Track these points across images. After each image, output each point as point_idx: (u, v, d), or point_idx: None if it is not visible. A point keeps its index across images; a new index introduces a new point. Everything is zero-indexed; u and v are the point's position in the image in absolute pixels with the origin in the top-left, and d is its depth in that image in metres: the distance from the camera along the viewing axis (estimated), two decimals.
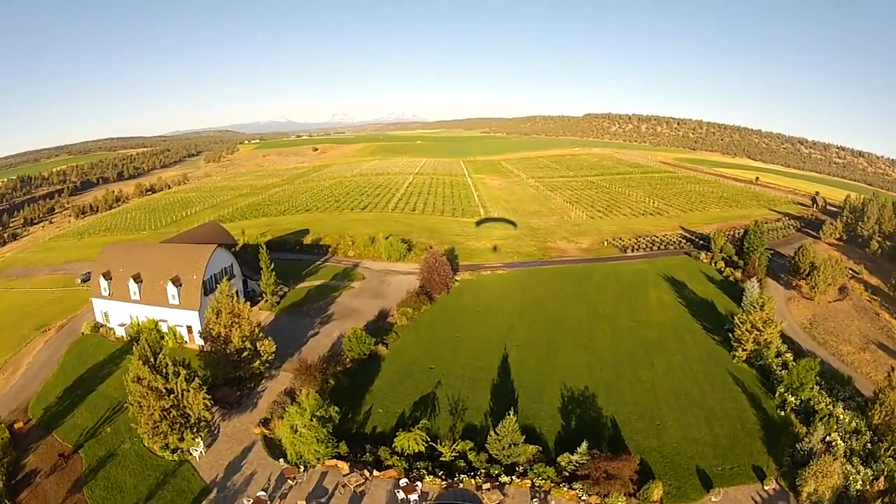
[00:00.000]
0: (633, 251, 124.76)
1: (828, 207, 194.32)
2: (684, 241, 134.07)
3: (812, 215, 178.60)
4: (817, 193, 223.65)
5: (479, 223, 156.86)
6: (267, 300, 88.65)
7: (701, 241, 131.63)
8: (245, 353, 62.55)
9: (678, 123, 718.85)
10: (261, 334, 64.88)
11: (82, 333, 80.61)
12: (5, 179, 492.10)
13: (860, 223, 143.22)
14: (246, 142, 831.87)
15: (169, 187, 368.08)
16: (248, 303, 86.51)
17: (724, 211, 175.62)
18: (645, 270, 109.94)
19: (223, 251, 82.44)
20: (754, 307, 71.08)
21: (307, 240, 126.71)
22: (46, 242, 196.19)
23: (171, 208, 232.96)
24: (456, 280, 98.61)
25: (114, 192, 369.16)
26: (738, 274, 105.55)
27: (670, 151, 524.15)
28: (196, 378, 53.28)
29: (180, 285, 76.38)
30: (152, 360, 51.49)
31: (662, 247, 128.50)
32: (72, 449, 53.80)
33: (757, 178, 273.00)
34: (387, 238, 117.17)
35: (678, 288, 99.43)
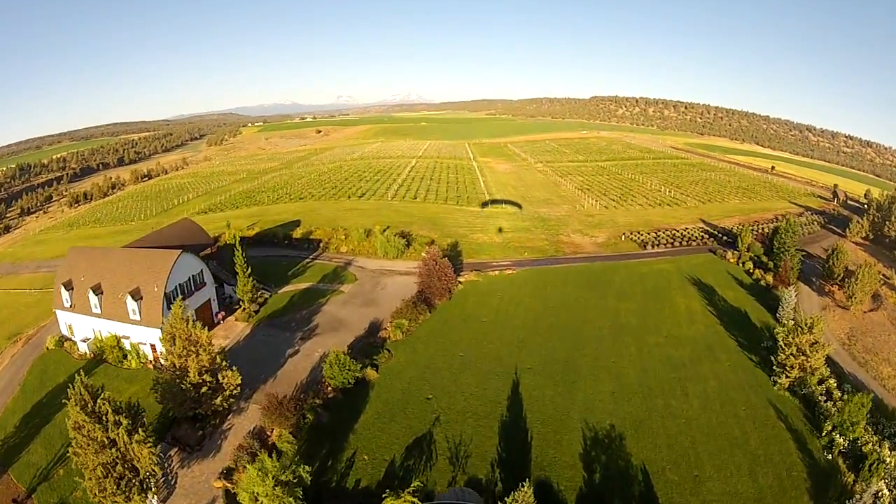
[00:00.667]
0: (653, 247, 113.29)
1: (848, 202, 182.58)
2: (706, 236, 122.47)
3: (834, 210, 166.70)
4: (836, 186, 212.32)
5: (484, 205, 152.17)
6: (244, 309, 77.73)
7: (725, 237, 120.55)
8: (204, 389, 51.91)
9: (686, 108, 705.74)
10: (224, 363, 53.92)
11: (46, 348, 71.22)
12: (4, 168, 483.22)
13: (888, 222, 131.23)
14: (249, 125, 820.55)
15: (166, 172, 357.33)
16: (223, 313, 77.08)
17: (744, 203, 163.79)
18: (668, 271, 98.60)
19: (190, 257, 71.11)
20: (801, 328, 59.90)
21: (297, 233, 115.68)
22: (37, 235, 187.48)
23: (165, 196, 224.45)
24: (459, 282, 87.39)
25: (111, 178, 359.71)
26: (770, 278, 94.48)
27: (679, 136, 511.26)
28: (141, 429, 42.79)
29: (140, 298, 65.74)
30: (90, 405, 41.73)
31: (684, 242, 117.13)
32: (25, 493, 46.22)
33: (773, 168, 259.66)
34: (383, 232, 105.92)
35: (706, 293, 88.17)
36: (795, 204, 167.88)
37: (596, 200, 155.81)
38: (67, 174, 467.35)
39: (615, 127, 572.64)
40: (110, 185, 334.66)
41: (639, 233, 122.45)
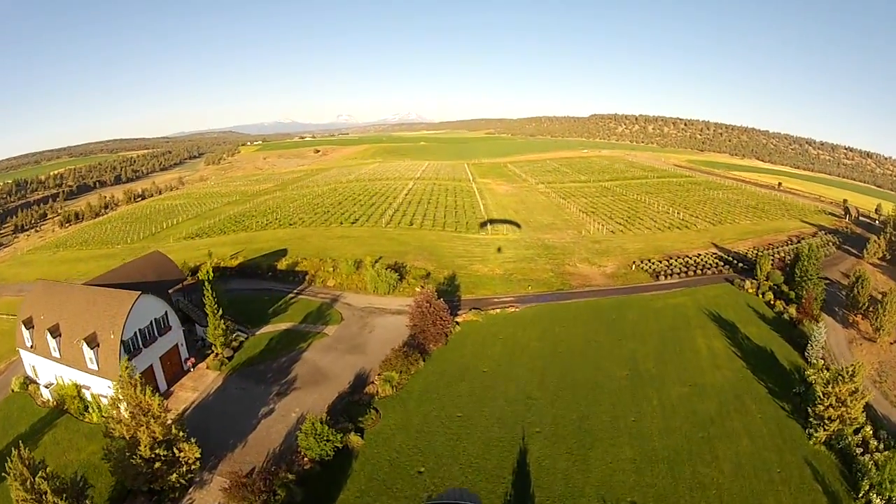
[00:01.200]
0: (666, 277, 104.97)
1: (860, 218, 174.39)
2: (721, 262, 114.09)
3: (847, 228, 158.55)
4: (846, 202, 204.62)
5: (483, 225, 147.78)
6: (217, 355, 69.17)
7: (741, 264, 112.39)
8: (157, 464, 43.57)
9: (685, 124, 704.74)
10: (181, 434, 45.56)
11: (12, 390, 63.95)
12: (1, 183, 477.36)
13: None
14: (249, 143, 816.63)
15: (160, 192, 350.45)
16: (193, 359, 68.78)
17: (755, 223, 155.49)
18: (685, 305, 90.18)
19: (151, 299, 62.47)
20: (842, 377, 51.86)
21: (282, 264, 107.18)
22: (24, 255, 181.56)
23: (155, 218, 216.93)
24: (457, 322, 79.10)
25: (105, 197, 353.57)
26: (793, 310, 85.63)
27: (679, 153, 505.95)
28: None
29: (97, 346, 57.46)
30: (30, 481, 35.66)
31: (699, 271, 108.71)
32: None
33: (779, 184, 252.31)
34: (374, 264, 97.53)
35: (728, 330, 79.70)
36: (807, 223, 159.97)
37: (602, 224, 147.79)
38: (64, 191, 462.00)
39: (616, 145, 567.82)
40: (103, 205, 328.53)
41: (650, 261, 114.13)
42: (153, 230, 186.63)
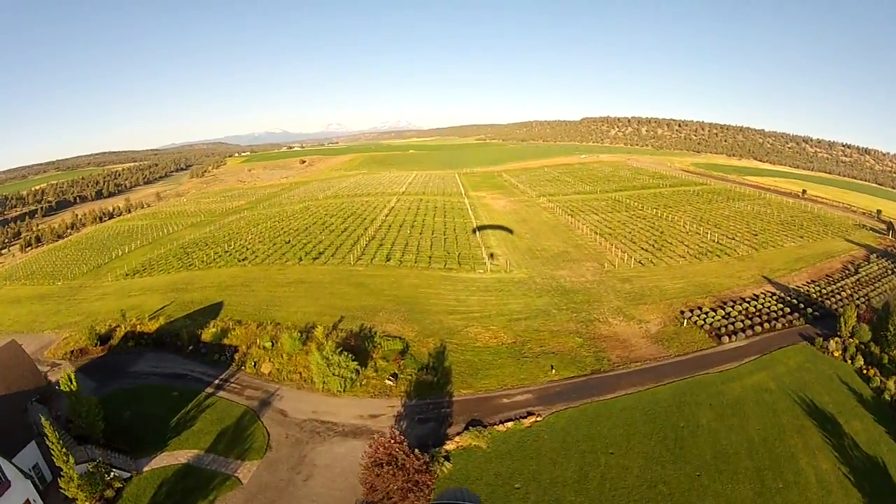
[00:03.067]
0: (728, 335, 73.74)
1: None
2: (784, 306, 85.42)
3: (892, 247, 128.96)
4: (880, 212, 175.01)
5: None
6: None
7: (808, 308, 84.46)
8: None
9: (679, 125, 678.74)
10: None
11: None
12: None
13: None
14: (237, 154, 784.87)
15: (129, 211, 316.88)
16: None
17: (800, 246, 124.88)
18: (768, 388, 60.38)
19: None
20: None
21: (209, 332, 74.75)
22: None
23: (111, 244, 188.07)
24: (446, 456, 47.21)
25: (77, 215, 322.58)
26: (893, 385, 60.08)
27: (676, 155, 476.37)
28: None
29: None
30: None
31: (766, 324, 78.12)
32: None
33: (804, 192, 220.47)
34: (328, 335, 66.02)
35: (830, 433, 52.76)
36: (852, 242, 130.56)
37: (625, 252, 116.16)
38: (43, 207, 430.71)
39: (613, 149, 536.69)
40: (68, 226, 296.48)
41: (700, 309, 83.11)
42: (101, 260, 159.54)
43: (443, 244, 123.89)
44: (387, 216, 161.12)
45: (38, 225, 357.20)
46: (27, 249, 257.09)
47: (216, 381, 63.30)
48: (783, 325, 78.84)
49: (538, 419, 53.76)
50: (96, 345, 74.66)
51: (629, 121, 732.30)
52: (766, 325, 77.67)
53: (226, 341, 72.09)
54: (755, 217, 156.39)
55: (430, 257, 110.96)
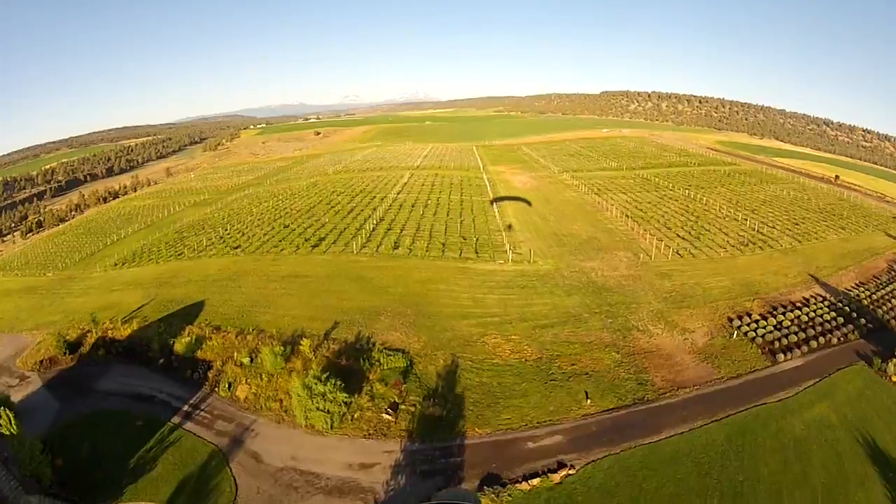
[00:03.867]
0: (783, 351, 61.68)
1: None
2: (836, 314, 72.57)
3: None
4: None
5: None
6: None
7: (861, 318, 71.27)
8: None
9: (700, 102, 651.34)
10: None
11: None
12: None
13: None
14: (252, 127, 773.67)
15: (135, 189, 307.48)
16: None
17: (843, 239, 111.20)
18: (829, 423, 49.18)
19: None
20: None
21: (182, 342, 62.70)
22: None
23: (109, 227, 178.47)
24: None
25: (84, 195, 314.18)
26: None
27: (697, 132, 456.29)
28: None
29: None
30: None
31: (819, 334, 66.11)
32: None
33: (837, 177, 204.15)
34: (315, 350, 54.53)
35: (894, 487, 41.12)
36: (892, 237, 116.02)
37: (660, 240, 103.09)
38: (52, 188, 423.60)
39: (634, 124, 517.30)
40: (72, 208, 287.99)
41: (749, 316, 70.60)
42: (96, 247, 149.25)
43: (458, 227, 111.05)
44: (398, 193, 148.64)
45: (45, 207, 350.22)
46: (28, 235, 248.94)
47: (185, 408, 52.12)
48: (838, 339, 65.74)
49: (570, 472, 41.78)
50: (65, 353, 64.36)
51: (649, 96, 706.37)
52: (821, 340, 64.77)
53: (200, 354, 60.59)
54: (793, 203, 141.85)
55: (443, 244, 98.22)
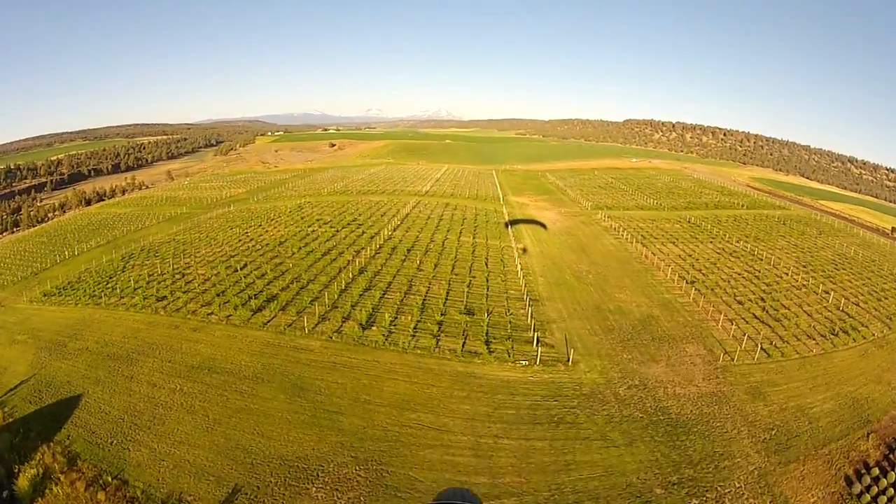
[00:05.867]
0: None
1: None
2: None
3: None
4: None
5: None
6: None
7: None
8: None
9: (724, 134, 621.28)
10: None
11: None
12: None
13: None
14: (269, 133, 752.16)
15: (123, 193, 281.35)
16: None
17: None
18: None
19: None
20: None
21: (26, 476, 34.74)
22: None
23: (71, 239, 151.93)
24: None
25: (67, 196, 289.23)
26: None
27: (722, 164, 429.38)
28: None
29: None
30: None
31: None
32: None
33: (894, 229, 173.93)
34: None
35: None
36: None
37: (734, 321, 74.14)
38: (53, 180, 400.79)
39: (662, 154, 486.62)
40: (55, 208, 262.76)
41: (867, 468, 43.73)
42: (43, 265, 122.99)
43: (465, 292, 79.96)
44: (395, 230, 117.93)
45: (41, 200, 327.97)
46: (3, 234, 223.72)
47: None
48: None
49: None
50: None
51: (673, 126, 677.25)
52: None
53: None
54: (864, 266, 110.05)
55: (440, 323, 67.23)
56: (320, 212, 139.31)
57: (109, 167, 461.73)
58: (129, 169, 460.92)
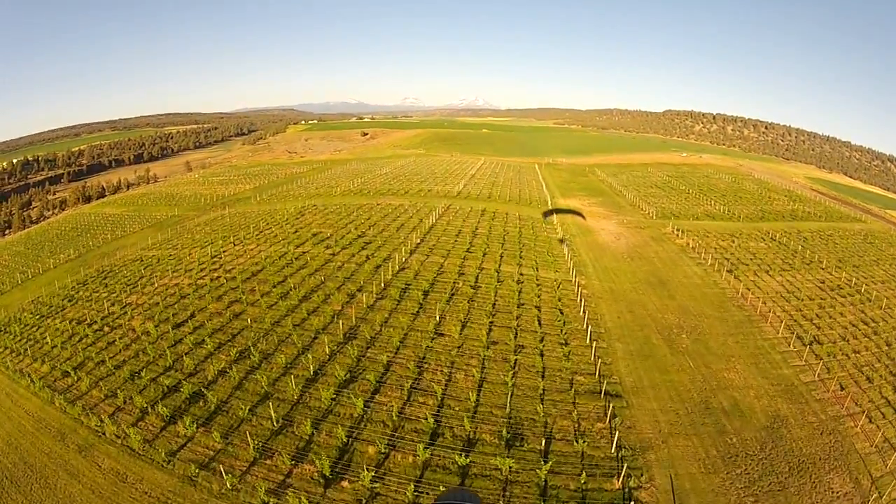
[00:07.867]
0: None
1: None
2: None
3: None
4: None
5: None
6: None
7: None
8: None
9: (766, 128, 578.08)
10: None
11: None
12: (5, 162, 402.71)
13: None
14: (303, 122, 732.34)
15: (127, 188, 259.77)
16: None
17: None
18: None
19: None
20: None
21: None
22: None
23: (45, 251, 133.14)
24: None
25: (76, 188, 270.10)
26: None
27: (765, 160, 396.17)
28: None
29: None
30: None
31: None
32: None
33: None
34: None
35: None
36: None
37: (876, 421, 46.38)
38: (69, 172, 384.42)
39: (704, 147, 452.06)
40: (55, 205, 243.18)
41: None
42: (5, 284, 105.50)
43: (509, 382, 49.77)
44: (412, 252, 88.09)
45: (53, 192, 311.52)
46: None
47: None
48: None
49: None
50: None
51: (714, 118, 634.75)
52: None
53: None
54: None
55: (463, 467, 38.16)
56: (322, 220, 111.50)
57: (132, 157, 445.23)
58: (152, 159, 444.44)
